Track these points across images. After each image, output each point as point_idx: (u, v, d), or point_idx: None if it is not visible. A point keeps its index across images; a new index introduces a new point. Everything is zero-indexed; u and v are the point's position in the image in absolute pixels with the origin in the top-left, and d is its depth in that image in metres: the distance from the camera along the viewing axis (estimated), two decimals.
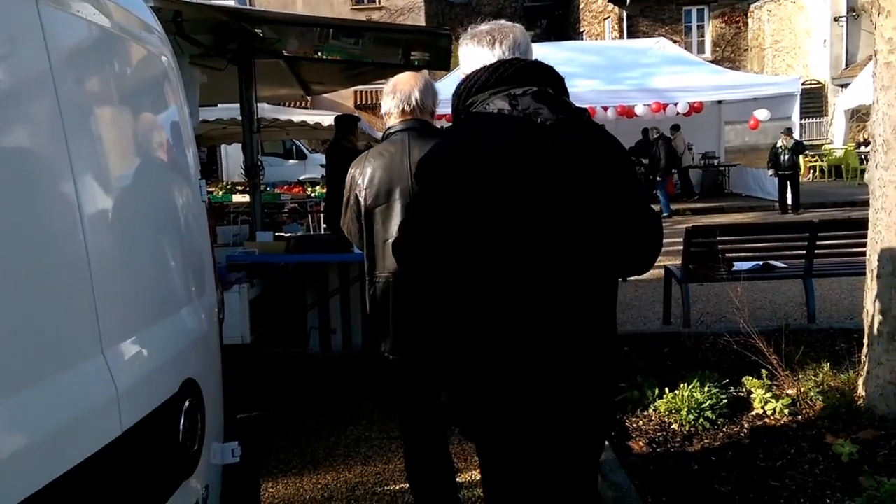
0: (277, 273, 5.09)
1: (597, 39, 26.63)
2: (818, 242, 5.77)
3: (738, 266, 5.89)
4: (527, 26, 2.12)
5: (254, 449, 2.39)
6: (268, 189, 14.70)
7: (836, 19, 22.49)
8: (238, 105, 5.63)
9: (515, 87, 1.78)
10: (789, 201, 14.23)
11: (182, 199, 1.92)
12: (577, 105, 1.83)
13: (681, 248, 5.91)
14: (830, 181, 19.79)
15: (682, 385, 4.00)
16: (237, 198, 13.82)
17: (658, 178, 14.77)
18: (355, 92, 29.56)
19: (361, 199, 2.65)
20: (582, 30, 28.99)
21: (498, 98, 1.78)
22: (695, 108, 15.15)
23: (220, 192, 13.65)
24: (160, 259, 1.78)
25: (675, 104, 14.84)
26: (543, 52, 14.87)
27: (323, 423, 4.20)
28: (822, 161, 20.30)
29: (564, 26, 30.40)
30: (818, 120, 22.65)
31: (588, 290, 1.78)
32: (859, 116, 21.27)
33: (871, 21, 3.55)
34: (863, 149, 20.18)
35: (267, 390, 4.66)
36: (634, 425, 3.79)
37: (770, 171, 14.48)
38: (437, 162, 1.81)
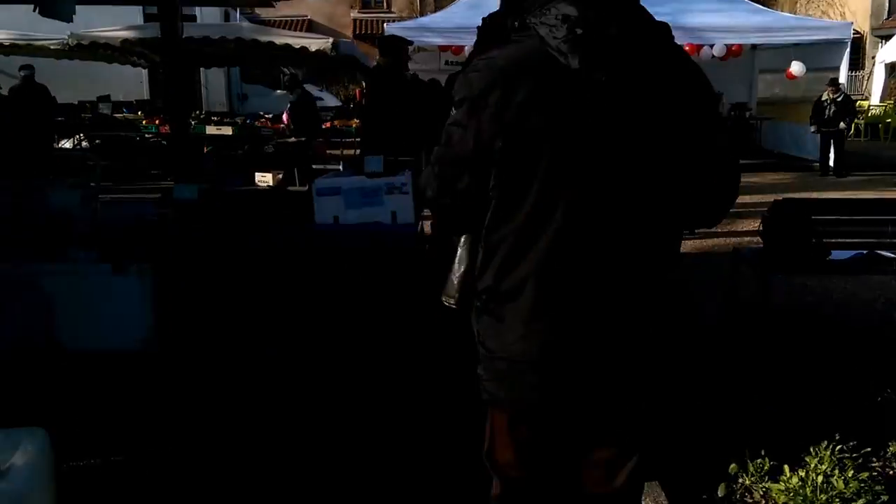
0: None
1: None
2: None
3: (837, 255, 4.46)
4: None
5: None
6: (248, 122, 13.26)
7: None
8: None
9: None
10: (831, 162, 12.73)
11: None
12: None
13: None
14: (867, 141, 18.20)
15: (808, 458, 2.62)
16: (211, 130, 12.39)
17: None
18: (354, 21, 27.65)
19: None
20: None
21: (562, 3, 1.49)
22: (732, 52, 13.51)
23: (193, 124, 12.08)
24: None
25: (711, 46, 13.15)
26: None
27: (253, 485, 2.81)
28: (859, 119, 18.65)
29: None
30: (855, 73, 20.91)
31: (653, 245, 1.60)
32: None
33: None
34: None
35: (183, 416, 3.24)
36: None
37: (812, 128, 12.90)
38: (479, 83, 1.53)
